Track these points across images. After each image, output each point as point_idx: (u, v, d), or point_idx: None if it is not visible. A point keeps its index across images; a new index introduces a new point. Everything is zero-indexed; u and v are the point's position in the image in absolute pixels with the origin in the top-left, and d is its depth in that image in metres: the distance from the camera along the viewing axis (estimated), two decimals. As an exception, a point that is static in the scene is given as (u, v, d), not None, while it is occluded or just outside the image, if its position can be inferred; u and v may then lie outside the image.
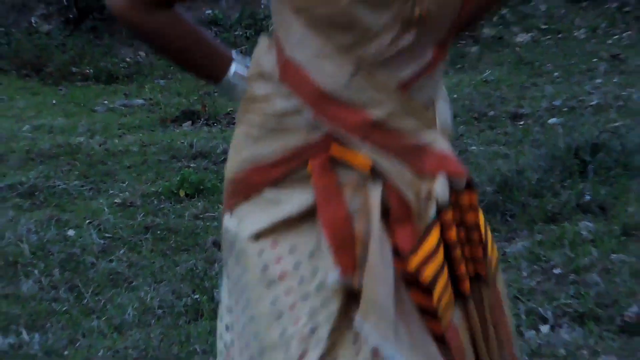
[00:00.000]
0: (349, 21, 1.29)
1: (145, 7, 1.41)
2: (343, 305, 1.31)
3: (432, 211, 1.33)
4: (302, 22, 1.32)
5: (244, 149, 1.42)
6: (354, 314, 1.28)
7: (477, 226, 1.42)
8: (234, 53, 1.52)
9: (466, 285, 1.38)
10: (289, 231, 1.35)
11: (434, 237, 1.33)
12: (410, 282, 1.32)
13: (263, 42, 1.43)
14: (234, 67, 1.49)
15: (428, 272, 1.30)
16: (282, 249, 1.34)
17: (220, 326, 1.48)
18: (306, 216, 1.35)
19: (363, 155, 1.34)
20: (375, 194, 1.34)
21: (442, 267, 1.33)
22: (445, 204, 1.34)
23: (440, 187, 1.34)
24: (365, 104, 1.34)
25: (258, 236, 1.35)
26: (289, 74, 1.35)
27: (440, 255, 1.33)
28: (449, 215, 1.36)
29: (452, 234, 1.36)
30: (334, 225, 1.32)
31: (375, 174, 1.35)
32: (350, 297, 1.31)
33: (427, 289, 1.31)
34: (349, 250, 1.32)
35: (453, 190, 1.37)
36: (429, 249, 1.32)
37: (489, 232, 1.49)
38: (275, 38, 1.38)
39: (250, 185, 1.39)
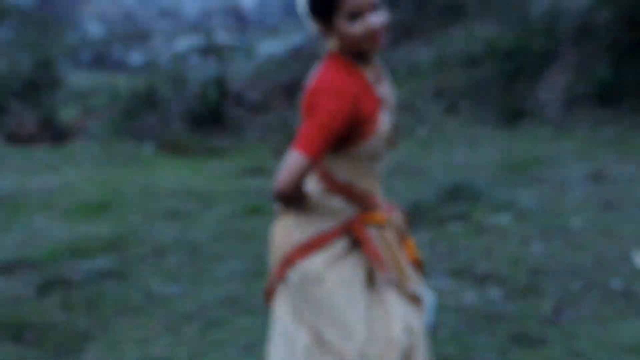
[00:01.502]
0: (377, 154, 2.44)
1: (302, 185, 2.34)
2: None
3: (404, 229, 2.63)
4: (350, 162, 2.42)
5: (308, 227, 2.45)
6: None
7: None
8: None
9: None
10: (344, 260, 2.46)
11: (410, 241, 2.64)
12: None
13: (312, 181, 2.45)
14: None
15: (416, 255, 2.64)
16: (345, 268, 2.46)
17: (286, 334, 2.51)
18: (349, 251, 2.48)
19: (380, 215, 2.50)
20: (391, 233, 2.52)
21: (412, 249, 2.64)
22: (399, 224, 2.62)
23: (397, 218, 2.61)
24: (374, 192, 2.53)
25: (330, 266, 2.44)
26: (345, 190, 2.45)
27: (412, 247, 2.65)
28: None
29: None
30: (375, 254, 2.45)
31: (387, 223, 2.52)
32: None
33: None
34: (382, 263, 2.45)
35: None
36: (411, 246, 2.64)
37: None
38: (324, 172, 2.44)
39: (319, 243, 2.44)
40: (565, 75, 14.37)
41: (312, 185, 2.45)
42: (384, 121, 2.40)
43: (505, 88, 14.22)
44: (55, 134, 16.47)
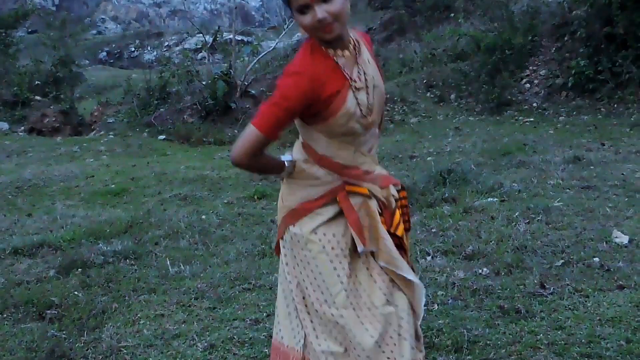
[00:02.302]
0: (350, 131, 2.43)
1: (255, 157, 2.38)
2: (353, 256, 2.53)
3: (393, 203, 2.60)
4: (325, 136, 2.45)
5: (298, 192, 2.54)
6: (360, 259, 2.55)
7: (407, 205, 2.75)
8: (282, 157, 2.55)
9: (407, 230, 2.74)
10: (328, 226, 2.49)
11: (397, 215, 2.62)
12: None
13: (298, 143, 2.56)
14: (287, 163, 2.53)
15: (400, 232, 2.62)
16: (328, 235, 2.49)
17: (286, 282, 2.64)
18: (334, 219, 2.50)
19: (363, 187, 2.51)
20: (374, 204, 2.53)
21: (399, 224, 2.61)
22: (396, 198, 2.63)
23: (393, 191, 2.62)
24: (360, 164, 2.53)
25: (315, 232, 2.49)
26: (323, 161, 2.49)
27: (401, 222, 2.63)
28: (398, 203, 2.63)
29: (402, 210, 2.68)
30: (354, 224, 2.47)
31: (371, 194, 2.51)
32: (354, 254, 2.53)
33: (399, 238, 2.63)
34: (362, 235, 2.47)
35: (397, 190, 2.65)
36: (397, 220, 2.60)
37: None
38: (305, 143, 2.51)
39: (306, 210, 2.51)
40: (545, 67, 14.33)
41: (297, 154, 2.55)
42: (351, 100, 2.39)
43: (490, 80, 14.17)
44: (75, 125, 16.45)
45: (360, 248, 2.48)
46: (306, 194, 2.53)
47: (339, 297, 2.47)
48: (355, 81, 2.41)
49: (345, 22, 2.34)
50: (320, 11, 2.26)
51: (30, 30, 35.61)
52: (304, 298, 2.56)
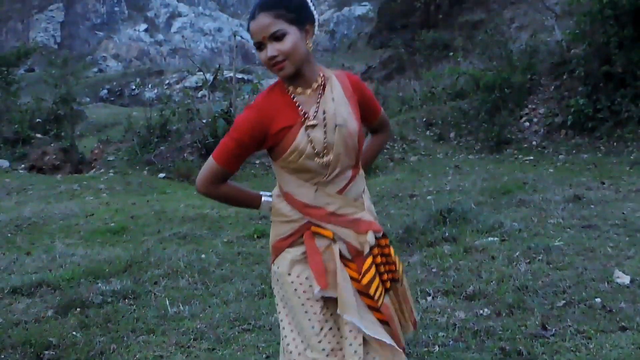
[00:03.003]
0: (305, 169, 2.44)
1: (213, 185, 2.54)
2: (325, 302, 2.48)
3: (367, 250, 2.48)
4: (286, 172, 2.49)
5: (274, 231, 2.58)
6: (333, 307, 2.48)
7: (390, 254, 2.59)
8: (261, 193, 2.64)
9: (387, 284, 2.55)
10: (303, 268, 2.49)
11: (368, 262, 2.48)
12: (360, 292, 2.48)
13: (276, 185, 2.60)
14: (264, 199, 2.62)
15: (365, 280, 2.46)
16: (299, 277, 2.49)
17: (280, 322, 2.60)
18: (303, 259, 2.49)
19: (328, 229, 2.48)
20: (336, 248, 2.47)
21: (374, 277, 2.48)
22: (372, 245, 2.49)
23: (369, 237, 2.49)
24: (324, 205, 2.48)
25: (289, 272, 2.50)
26: (288, 198, 2.52)
27: (372, 271, 2.48)
28: (375, 251, 2.51)
29: (377, 259, 2.52)
30: (314, 265, 2.45)
31: (336, 238, 2.47)
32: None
33: (368, 293, 2.47)
34: (323, 278, 2.43)
35: (377, 238, 2.52)
36: (366, 267, 2.47)
37: (397, 256, 2.66)
38: (278, 181, 2.56)
39: (278, 248, 2.55)
40: (544, 105, 14.43)
41: (275, 190, 2.63)
42: (302, 137, 2.42)
43: (489, 118, 14.25)
44: (75, 163, 16.49)
45: (315, 290, 2.44)
46: (278, 231, 2.58)
47: (312, 340, 2.46)
48: (309, 118, 2.44)
49: (299, 61, 2.41)
50: (271, 49, 2.37)
51: (29, 67, 35.87)
52: (283, 337, 2.57)
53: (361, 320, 2.42)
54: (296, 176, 2.48)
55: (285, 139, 2.43)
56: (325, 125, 2.44)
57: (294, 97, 2.47)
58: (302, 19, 2.41)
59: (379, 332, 2.46)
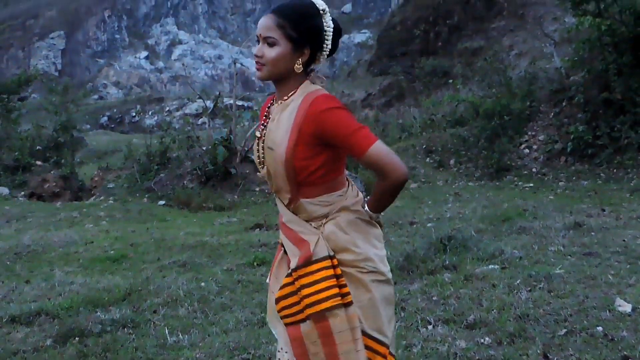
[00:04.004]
0: (266, 179, 2.60)
1: None
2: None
3: (290, 270, 2.52)
4: None
5: None
6: None
7: (312, 283, 2.46)
8: None
9: (304, 313, 2.48)
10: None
11: (286, 280, 2.53)
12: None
13: None
14: None
15: (278, 294, 2.55)
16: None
17: None
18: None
19: (280, 235, 2.64)
20: (282, 251, 2.63)
21: (287, 295, 2.51)
22: (292, 269, 2.51)
23: (293, 262, 2.51)
24: (281, 212, 2.62)
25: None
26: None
27: (287, 290, 2.52)
28: (294, 274, 2.50)
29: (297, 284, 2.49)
30: (273, 262, 2.72)
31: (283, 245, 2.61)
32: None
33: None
34: (270, 273, 2.72)
35: (293, 269, 2.51)
36: (283, 283, 2.54)
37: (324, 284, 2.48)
38: None
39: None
40: (543, 132, 14.47)
41: None
42: (254, 148, 2.67)
43: (489, 145, 14.28)
44: (75, 190, 16.50)
45: (267, 279, 2.79)
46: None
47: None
48: (258, 129, 2.62)
49: (276, 74, 2.51)
50: (259, 49, 2.49)
51: (21, 97, 36.05)
52: None
53: (274, 325, 2.68)
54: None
55: None
56: (263, 142, 2.57)
57: (269, 106, 2.63)
58: (303, 40, 2.46)
59: (284, 343, 2.60)
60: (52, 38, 69.69)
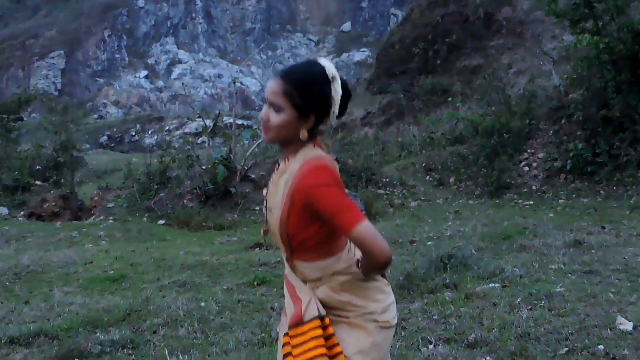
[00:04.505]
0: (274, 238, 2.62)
1: None
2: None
3: (286, 329, 2.53)
4: None
5: None
6: None
7: (301, 343, 2.46)
8: None
9: None
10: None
11: (283, 339, 2.55)
12: None
13: None
14: None
15: (283, 350, 2.55)
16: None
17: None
18: None
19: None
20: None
21: (286, 354, 2.51)
22: (285, 331, 2.54)
23: (285, 324, 2.55)
24: (284, 262, 2.63)
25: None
26: None
27: (285, 349, 2.52)
28: (290, 333, 2.50)
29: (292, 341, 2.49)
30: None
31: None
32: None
33: None
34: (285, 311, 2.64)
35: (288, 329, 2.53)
36: (282, 342, 2.57)
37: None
38: None
39: None
40: (543, 150, 14.49)
41: None
42: (263, 210, 2.70)
43: (488, 163, 14.30)
44: (75, 210, 16.49)
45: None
46: None
47: None
48: (267, 185, 2.65)
49: (280, 138, 2.52)
50: (265, 112, 2.49)
51: (24, 115, 36.14)
52: None
53: None
54: None
55: None
56: (266, 202, 2.62)
57: (278, 165, 2.62)
58: (308, 108, 2.45)
59: None
60: (52, 57, 69.93)
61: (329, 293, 2.53)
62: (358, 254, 2.54)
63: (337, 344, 2.47)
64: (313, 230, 2.46)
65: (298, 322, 2.48)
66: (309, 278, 2.55)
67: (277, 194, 2.52)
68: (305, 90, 2.42)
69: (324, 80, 2.44)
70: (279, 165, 2.59)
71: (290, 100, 2.42)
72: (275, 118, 2.44)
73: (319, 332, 2.45)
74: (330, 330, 2.48)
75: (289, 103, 2.42)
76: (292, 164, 2.49)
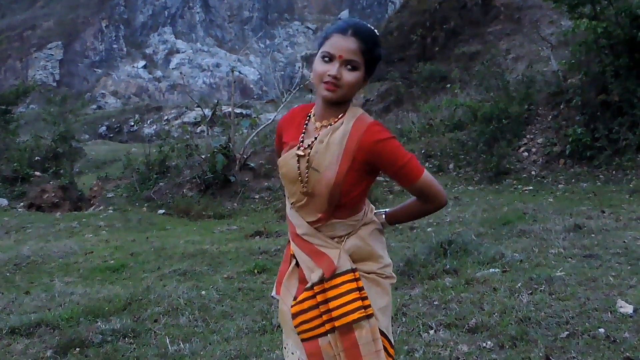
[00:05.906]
0: (284, 181, 2.54)
1: None
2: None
3: (309, 283, 2.46)
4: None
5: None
6: None
7: (333, 298, 2.45)
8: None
9: (325, 327, 2.45)
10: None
11: (304, 294, 2.49)
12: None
13: None
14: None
15: (294, 309, 2.49)
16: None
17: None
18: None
19: (292, 247, 2.58)
20: (294, 263, 2.58)
21: (304, 310, 2.47)
22: (314, 282, 2.46)
23: (315, 275, 2.46)
24: (295, 224, 2.56)
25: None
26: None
27: (306, 304, 2.47)
28: (315, 289, 2.46)
29: (317, 298, 2.46)
30: (279, 273, 2.69)
31: (295, 257, 2.56)
32: None
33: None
34: (279, 285, 2.65)
35: (325, 280, 2.46)
36: (301, 298, 2.49)
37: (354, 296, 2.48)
38: None
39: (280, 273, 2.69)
40: (542, 135, 14.46)
41: None
42: (289, 157, 2.52)
43: (488, 149, 14.27)
44: (74, 201, 16.48)
45: (272, 292, 2.78)
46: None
47: None
48: (300, 147, 2.51)
49: (345, 97, 2.45)
50: (338, 70, 2.39)
51: (22, 107, 36.16)
52: None
53: (288, 338, 2.60)
54: (285, 187, 2.61)
55: (283, 152, 2.57)
56: (307, 162, 2.47)
57: (307, 122, 2.55)
58: (371, 69, 2.48)
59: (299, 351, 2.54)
60: (49, 49, 69.69)
61: (358, 243, 2.53)
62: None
63: (367, 297, 2.48)
64: (363, 186, 2.51)
65: (332, 275, 2.46)
66: (338, 235, 2.52)
67: (328, 152, 2.45)
68: (376, 49, 2.45)
69: (379, 40, 2.49)
70: (309, 119, 2.56)
71: (364, 58, 2.42)
72: (350, 76, 2.40)
73: (354, 284, 2.46)
74: (361, 283, 2.49)
75: (363, 61, 2.42)
76: (343, 122, 2.47)
